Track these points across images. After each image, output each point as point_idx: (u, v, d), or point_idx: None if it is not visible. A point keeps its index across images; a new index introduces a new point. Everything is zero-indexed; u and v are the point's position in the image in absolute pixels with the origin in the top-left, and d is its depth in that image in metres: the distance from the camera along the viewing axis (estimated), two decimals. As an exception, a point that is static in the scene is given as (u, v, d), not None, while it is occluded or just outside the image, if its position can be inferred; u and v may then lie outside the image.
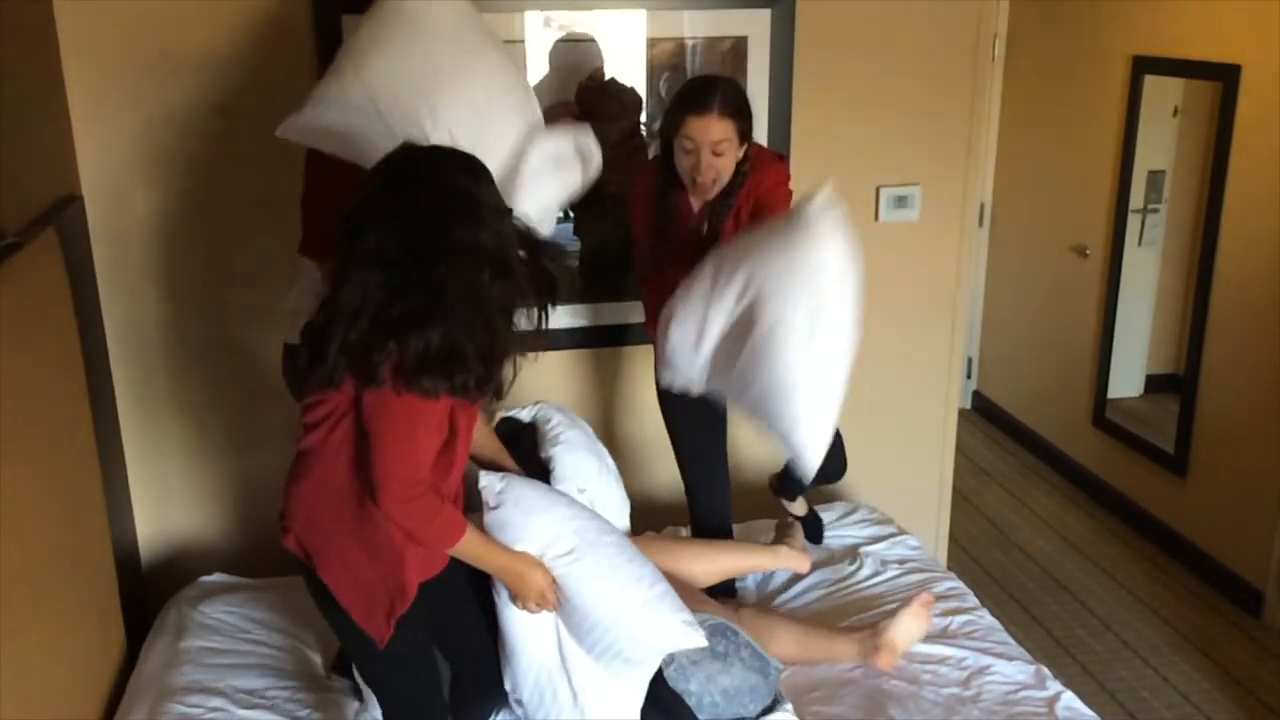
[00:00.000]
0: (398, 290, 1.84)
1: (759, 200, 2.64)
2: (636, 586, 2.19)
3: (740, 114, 2.54)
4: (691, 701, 2.37)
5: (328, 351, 1.89)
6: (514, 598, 2.16)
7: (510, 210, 2.00)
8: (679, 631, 2.19)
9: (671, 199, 2.66)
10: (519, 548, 2.13)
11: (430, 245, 1.86)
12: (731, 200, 2.62)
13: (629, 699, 2.26)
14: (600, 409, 3.44)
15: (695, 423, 2.82)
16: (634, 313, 3.19)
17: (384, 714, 2.21)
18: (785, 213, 2.48)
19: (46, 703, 2.23)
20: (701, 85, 2.57)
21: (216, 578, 3.00)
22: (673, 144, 2.57)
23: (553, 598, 2.15)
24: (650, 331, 2.77)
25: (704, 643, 2.22)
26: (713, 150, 2.52)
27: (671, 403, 2.80)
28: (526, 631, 2.22)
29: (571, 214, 3.27)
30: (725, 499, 2.94)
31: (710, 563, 2.73)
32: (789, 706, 2.46)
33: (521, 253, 1.99)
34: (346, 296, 1.86)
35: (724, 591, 2.85)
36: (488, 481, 2.17)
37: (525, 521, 2.15)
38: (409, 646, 2.11)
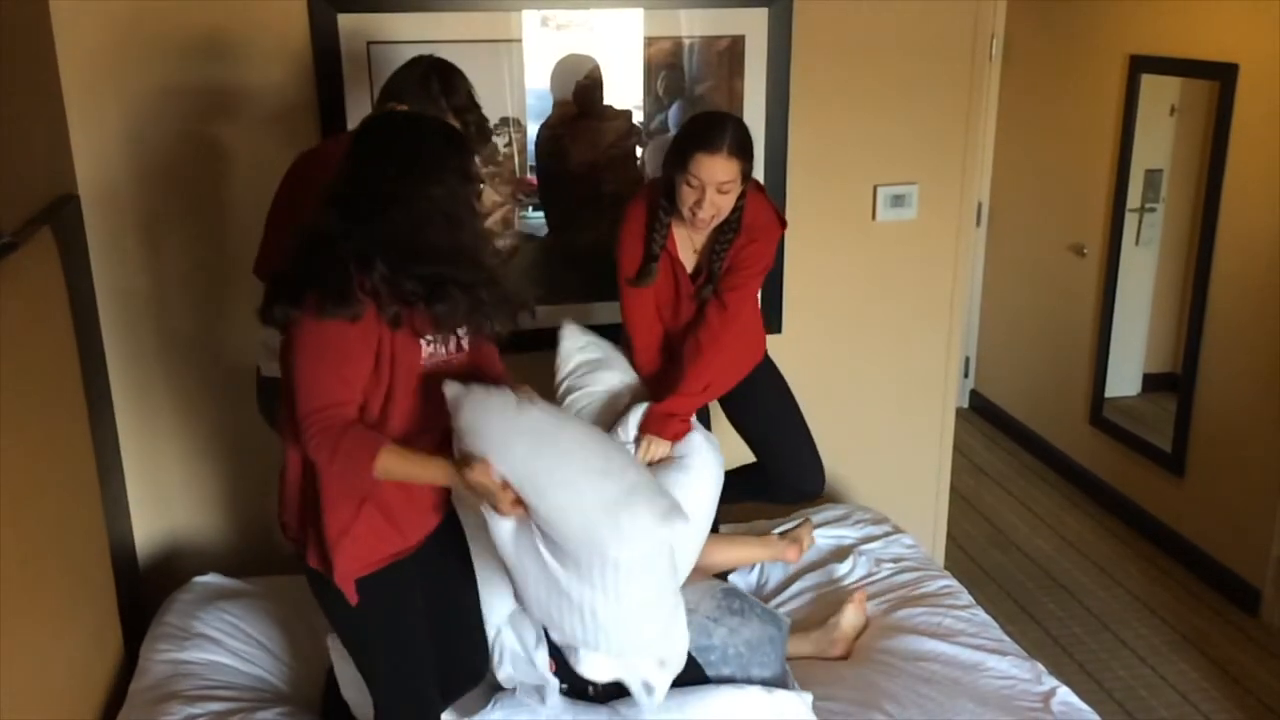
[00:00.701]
0: (348, 226, 1.93)
1: (741, 253, 2.66)
2: (602, 481, 2.02)
3: (747, 154, 2.56)
4: (716, 655, 2.47)
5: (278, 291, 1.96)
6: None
7: (478, 181, 2.08)
8: (652, 525, 1.99)
9: (666, 230, 2.67)
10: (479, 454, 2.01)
11: (385, 185, 1.95)
12: (728, 245, 2.65)
13: (637, 616, 2.12)
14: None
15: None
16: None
17: (375, 702, 2.21)
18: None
19: (43, 703, 2.23)
20: (713, 123, 2.56)
21: (211, 578, 2.99)
22: (674, 177, 2.57)
23: (507, 497, 1.99)
24: (642, 373, 2.82)
25: (687, 520, 2.06)
26: (718, 189, 2.53)
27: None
28: (511, 552, 2.10)
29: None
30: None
31: (705, 558, 2.72)
32: (798, 685, 2.54)
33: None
34: (303, 235, 1.98)
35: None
36: (448, 390, 2.07)
37: (479, 426, 2.00)
38: (398, 628, 2.13)
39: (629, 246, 2.71)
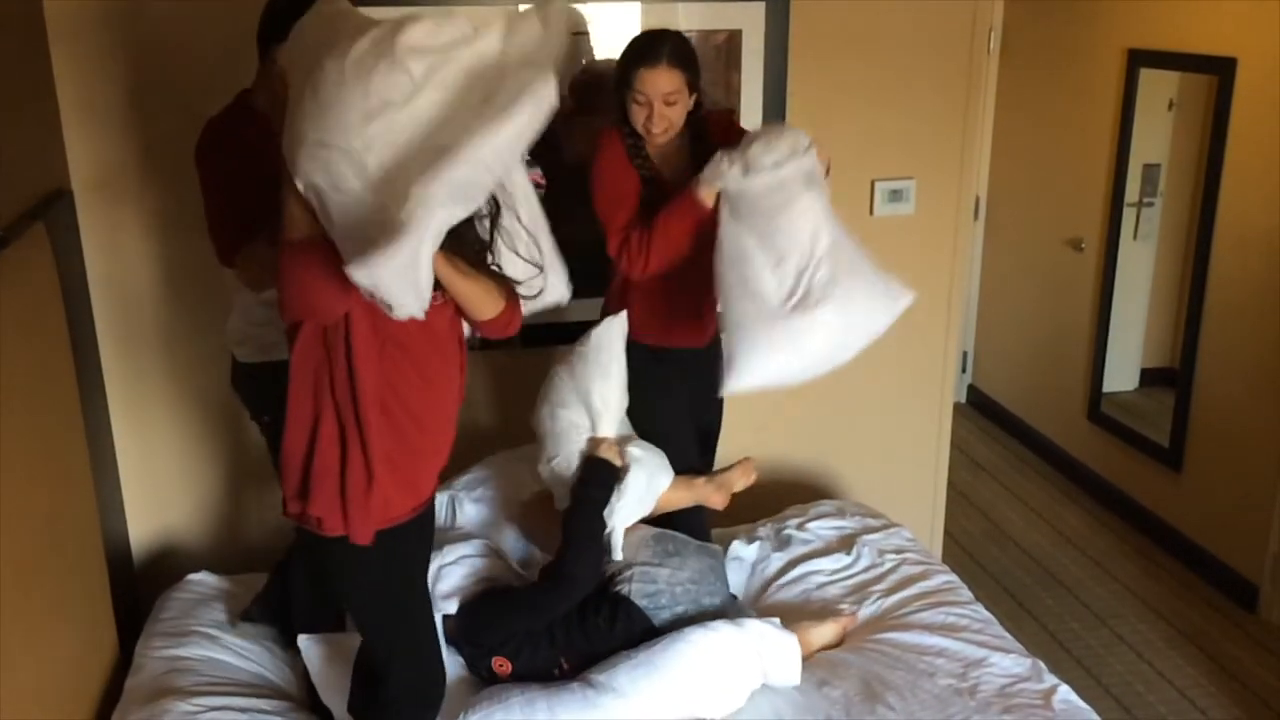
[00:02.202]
0: None
1: (730, 133, 2.74)
2: None
3: (689, 65, 2.61)
4: (665, 598, 2.53)
5: None
6: None
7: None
8: None
9: (646, 153, 2.68)
10: None
11: None
12: (706, 138, 2.69)
13: None
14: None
15: None
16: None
17: (384, 661, 2.20)
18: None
19: (39, 700, 2.22)
20: (650, 38, 2.62)
21: (205, 576, 2.98)
22: (624, 101, 2.62)
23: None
24: (642, 337, 2.77)
25: None
26: (664, 101, 2.57)
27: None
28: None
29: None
30: None
31: None
32: (776, 620, 2.61)
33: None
34: None
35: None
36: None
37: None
38: (413, 582, 2.21)
39: (615, 180, 2.68)
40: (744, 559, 3.08)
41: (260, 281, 2.41)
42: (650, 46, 2.58)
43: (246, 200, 2.34)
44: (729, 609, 2.65)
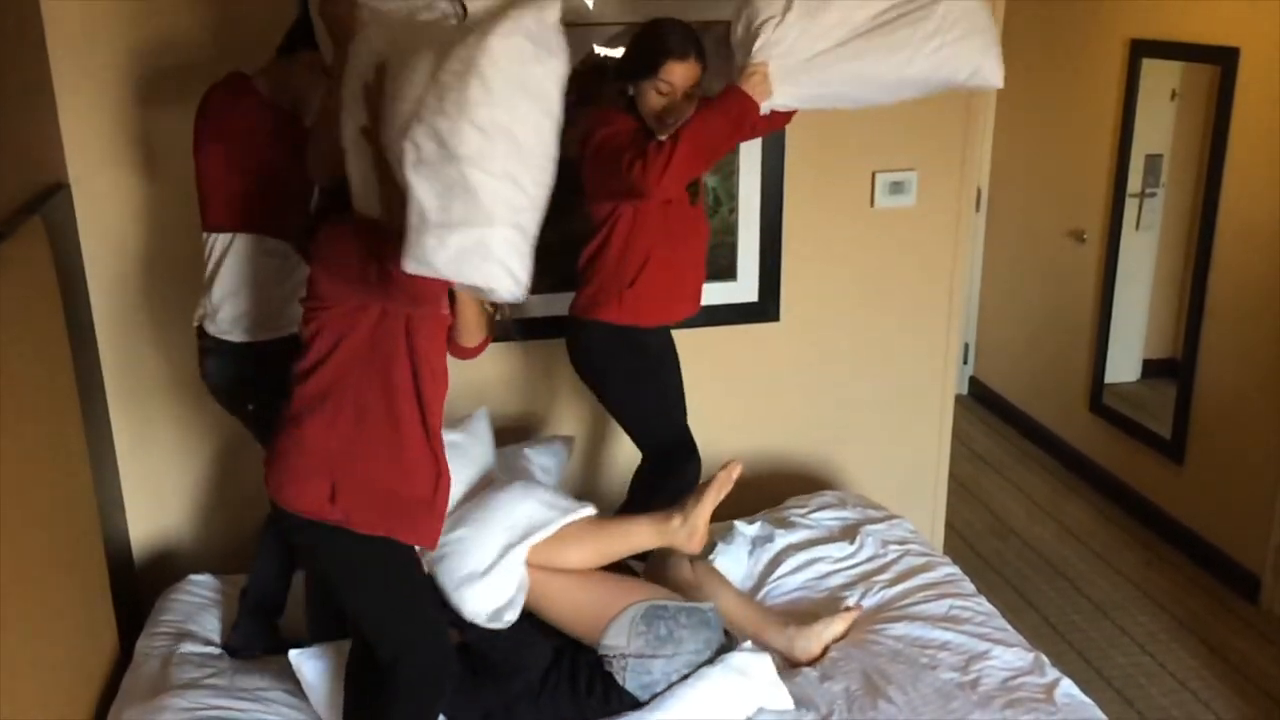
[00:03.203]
0: None
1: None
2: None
3: (705, 57, 2.65)
4: (661, 685, 2.41)
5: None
6: None
7: None
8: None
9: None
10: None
11: None
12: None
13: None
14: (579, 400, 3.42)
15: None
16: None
17: (387, 646, 2.18)
18: None
19: (38, 700, 2.21)
20: (681, 31, 2.63)
21: (206, 578, 2.98)
22: (640, 88, 2.63)
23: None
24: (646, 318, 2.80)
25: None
26: (685, 94, 2.62)
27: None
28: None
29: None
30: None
31: (584, 548, 2.56)
32: (748, 644, 2.52)
33: None
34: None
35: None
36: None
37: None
38: (412, 562, 2.22)
39: (626, 131, 2.66)
40: (745, 534, 3.09)
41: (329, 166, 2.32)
42: (683, 39, 2.61)
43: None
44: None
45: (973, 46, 2.57)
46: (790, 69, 2.55)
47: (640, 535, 2.60)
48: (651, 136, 2.64)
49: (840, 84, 2.59)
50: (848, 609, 2.77)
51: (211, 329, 2.62)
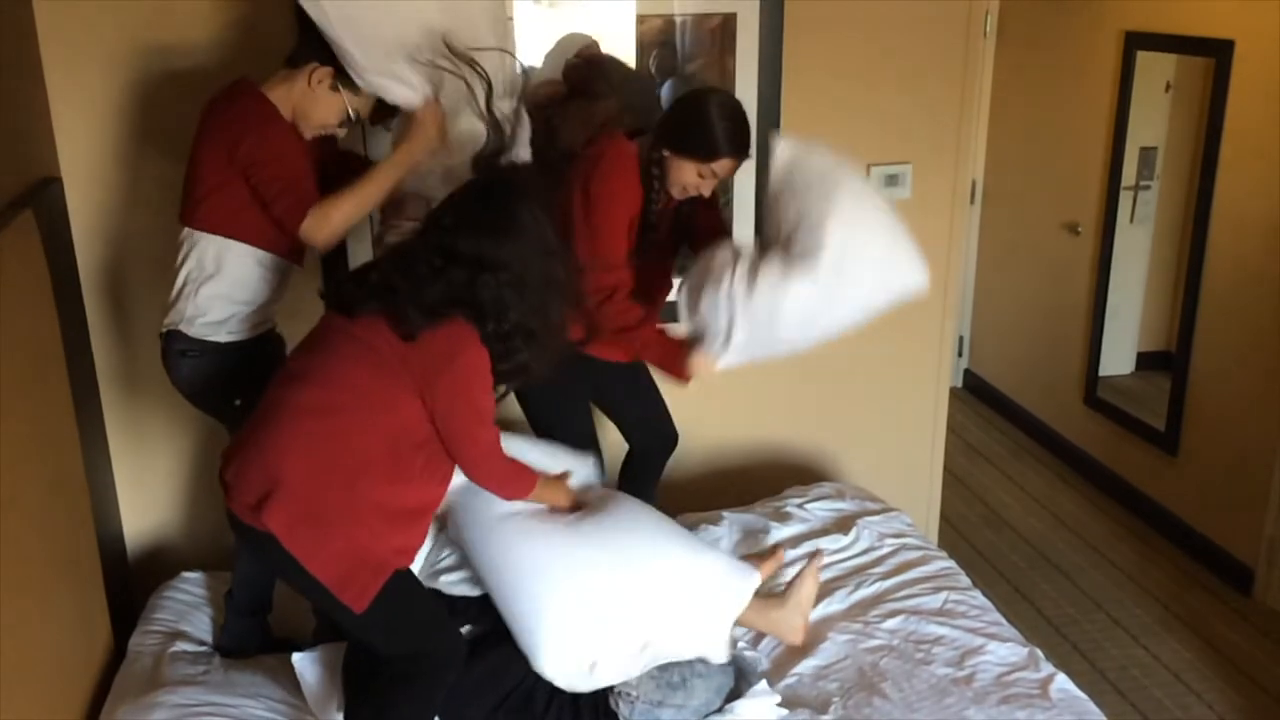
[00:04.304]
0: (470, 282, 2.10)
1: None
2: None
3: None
4: None
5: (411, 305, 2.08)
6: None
7: (560, 250, 2.25)
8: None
9: (657, 204, 2.66)
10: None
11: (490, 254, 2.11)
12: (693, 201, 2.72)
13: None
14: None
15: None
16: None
17: (390, 659, 2.19)
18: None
19: (31, 696, 2.20)
20: (742, 126, 2.59)
21: (199, 574, 2.97)
22: (679, 159, 2.58)
23: None
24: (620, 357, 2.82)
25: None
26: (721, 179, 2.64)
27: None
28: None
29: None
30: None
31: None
32: (763, 683, 2.46)
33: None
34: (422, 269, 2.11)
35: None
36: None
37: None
38: (413, 586, 2.26)
39: (619, 216, 2.64)
40: (734, 522, 3.10)
41: (336, 236, 2.45)
42: (741, 137, 2.58)
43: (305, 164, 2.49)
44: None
45: (896, 268, 2.58)
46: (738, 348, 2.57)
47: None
48: (655, 197, 2.63)
49: (783, 345, 2.60)
50: (775, 549, 2.77)
51: (191, 331, 2.57)
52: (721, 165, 2.58)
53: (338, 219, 2.40)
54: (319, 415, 2.09)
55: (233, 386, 2.60)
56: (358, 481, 2.08)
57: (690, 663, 2.41)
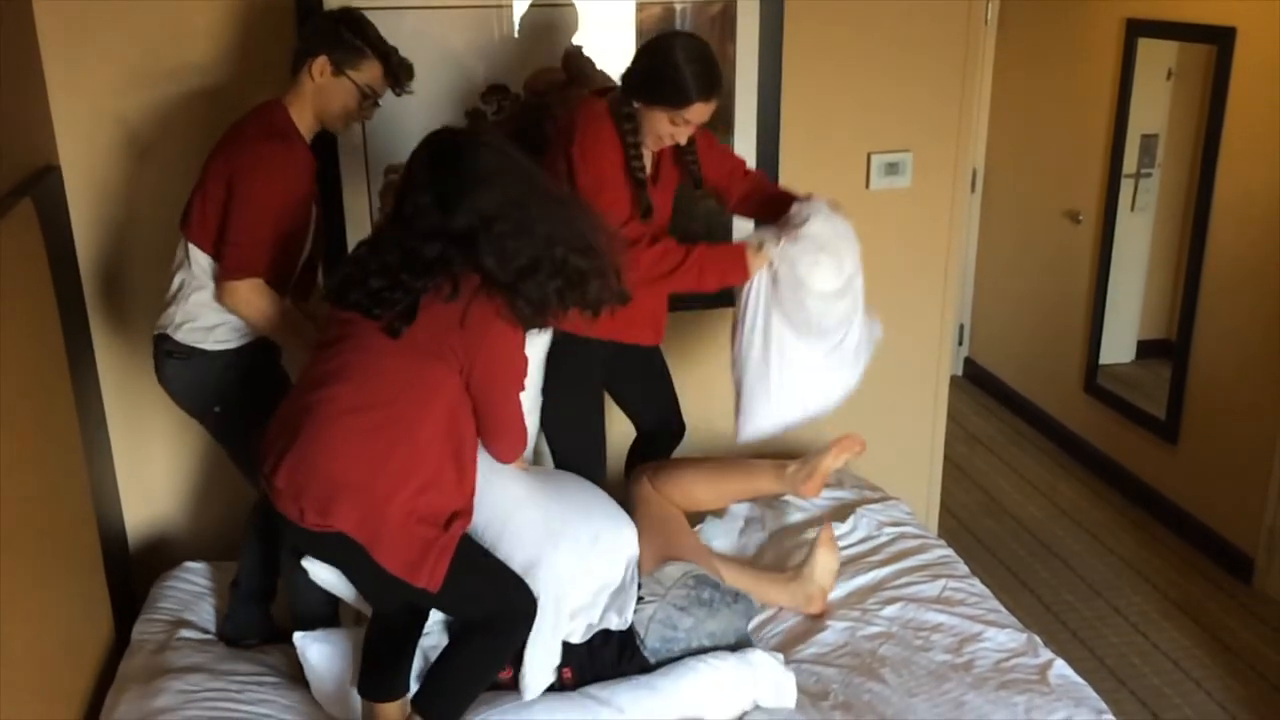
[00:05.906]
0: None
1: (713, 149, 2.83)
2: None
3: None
4: (679, 645, 2.45)
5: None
6: None
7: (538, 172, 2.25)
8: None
9: (641, 157, 2.62)
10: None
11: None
12: (693, 148, 2.71)
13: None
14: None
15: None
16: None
17: (483, 614, 2.26)
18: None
19: (34, 685, 2.21)
20: (707, 66, 2.53)
21: (201, 564, 2.97)
22: (652, 109, 2.54)
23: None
24: (647, 339, 2.84)
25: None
26: (698, 126, 2.60)
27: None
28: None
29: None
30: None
31: (710, 485, 2.83)
32: (779, 656, 2.53)
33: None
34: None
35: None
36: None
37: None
38: (474, 549, 2.30)
39: (605, 171, 2.59)
40: (736, 514, 3.11)
41: (269, 322, 2.52)
42: (710, 78, 2.52)
43: (292, 224, 2.51)
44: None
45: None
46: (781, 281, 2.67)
47: (762, 479, 2.85)
48: (638, 152, 2.59)
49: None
50: (819, 536, 2.78)
51: (179, 336, 2.59)
52: (694, 111, 2.52)
53: (245, 309, 2.49)
54: (361, 412, 2.11)
55: (215, 393, 2.62)
56: (418, 468, 2.13)
57: (724, 592, 2.52)
